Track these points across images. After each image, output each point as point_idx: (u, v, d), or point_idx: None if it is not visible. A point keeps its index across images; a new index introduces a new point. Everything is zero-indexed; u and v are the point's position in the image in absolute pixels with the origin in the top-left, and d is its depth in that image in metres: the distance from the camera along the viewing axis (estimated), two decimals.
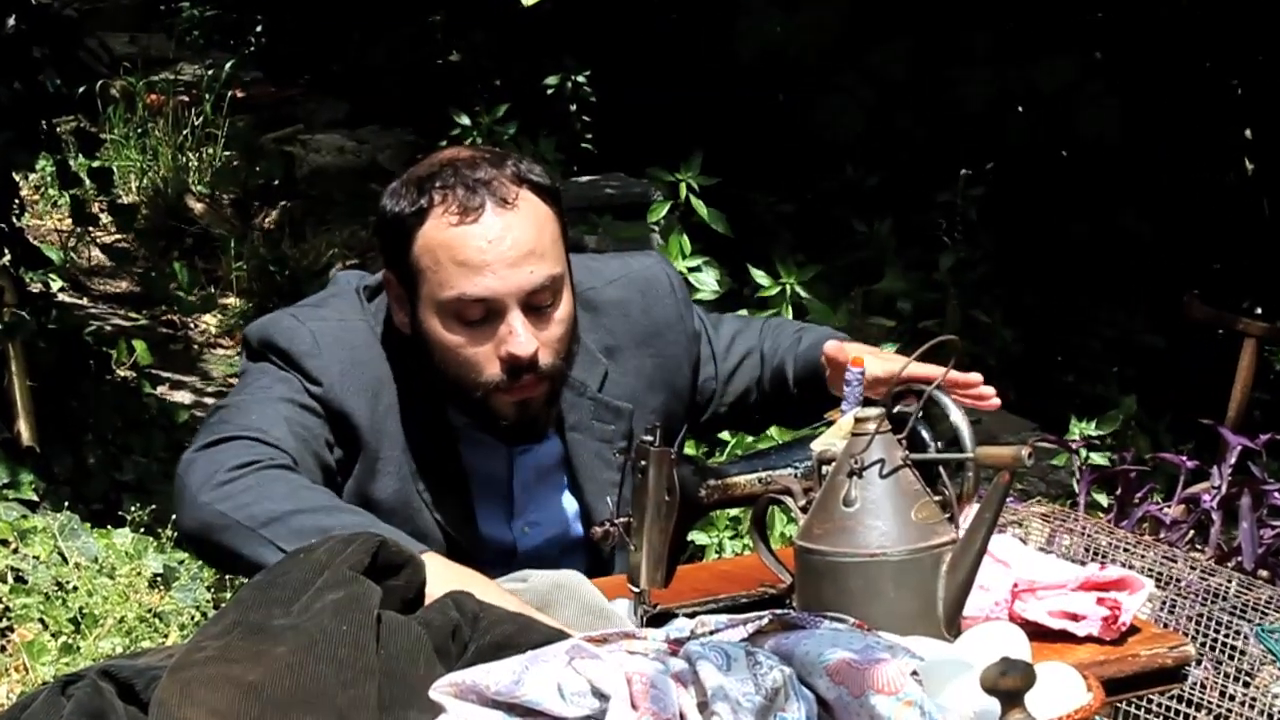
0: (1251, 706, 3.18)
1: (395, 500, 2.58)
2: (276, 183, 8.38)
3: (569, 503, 2.72)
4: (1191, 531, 3.92)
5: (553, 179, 2.59)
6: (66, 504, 4.82)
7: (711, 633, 1.92)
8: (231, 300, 7.38)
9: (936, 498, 2.15)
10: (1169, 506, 3.98)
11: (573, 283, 2.59)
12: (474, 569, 2.51)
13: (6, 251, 5.38)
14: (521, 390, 2.52)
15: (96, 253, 7.62)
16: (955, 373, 2.38)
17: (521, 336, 2.47)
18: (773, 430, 4.11)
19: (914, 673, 1.83)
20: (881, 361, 2.57)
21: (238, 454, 2.40)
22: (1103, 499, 4.61)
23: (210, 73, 9.20)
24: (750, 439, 4.44)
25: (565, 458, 2.70)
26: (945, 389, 2.26)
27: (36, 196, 8.05)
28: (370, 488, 2.57)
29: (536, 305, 2.50)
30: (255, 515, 2.32)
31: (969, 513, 2.17)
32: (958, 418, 2.20)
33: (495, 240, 2.45)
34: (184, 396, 6.35)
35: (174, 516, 2.47)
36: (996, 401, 2.51)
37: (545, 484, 2.70)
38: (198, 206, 8.10)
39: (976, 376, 2.48)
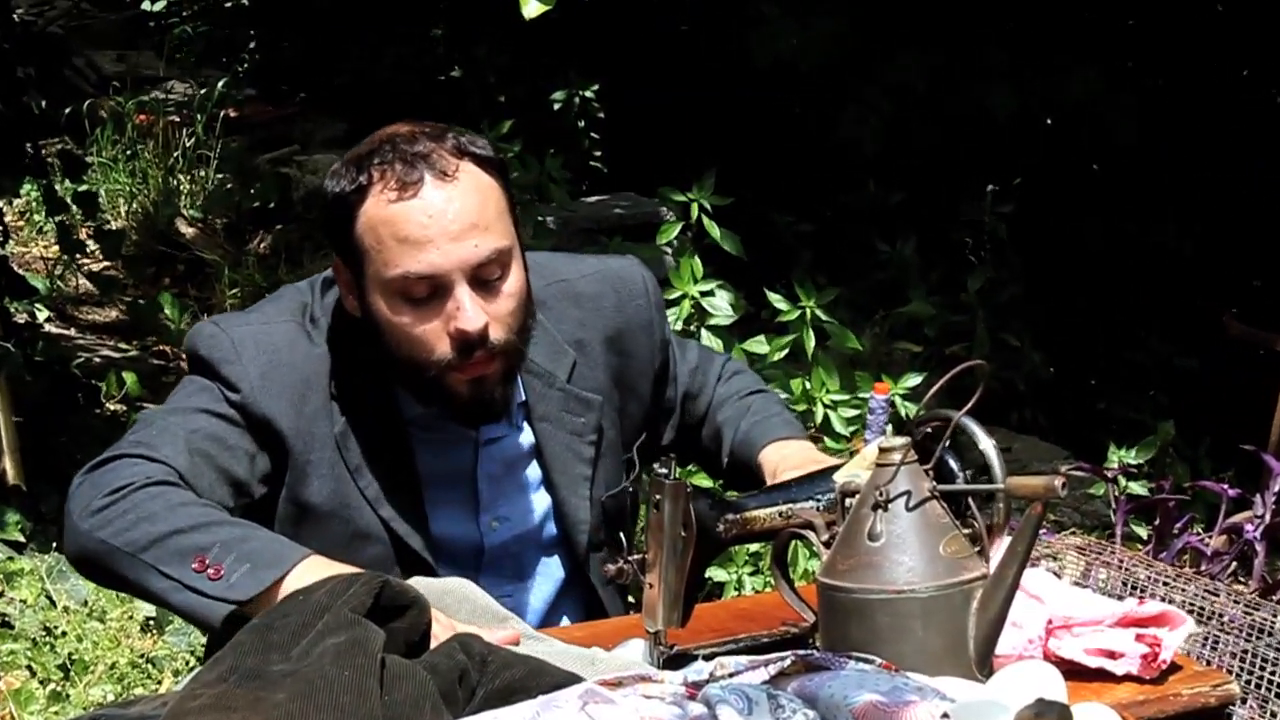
0: None
1: (330, 502, 2.60)
2: (272, 206, 8.38)
3: (541, 498, 2.74)
4: (1234, 563, 3.90)
5: (498, 151, 2.61)
6: (54, 545, 4.82)
7: (731, 675, 1.91)
8: None
9: (966, 531, 2.14)
10: (1210, 537, 3.96)
11: (524, 255, 2.60)
12: (433, 569, 2.57)
13: None
14: (474, 368, 2.53)
15: (85, 280, 7.63)
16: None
17: (469, 311, 2.48)
18: None
19: (944, 715, 1.83)
20: (817, 467, 2.60)
21: (118, 475, 2.44)
22: (1141, 530, 4.60)
23: (202, 91, 9.21)
24: None
25: (536, 450, 2.72)
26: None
27: (21, 223, 8.06)
28: (302, 492, 2.59)
29: (484, 279, 2.51)
30: (134, 540, 2.35)
31: (1000, 546, 2.17)
32: (987, 446, 2.20)
33: (436, 214, 2.47)
34: None
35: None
36: None
37: (514, 477, 2.72)
38: (189, 231, 8.11)
39: None
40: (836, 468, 2.37)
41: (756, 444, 2.81)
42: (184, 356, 7.07)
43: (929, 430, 2.26)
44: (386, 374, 2.59)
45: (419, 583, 2.33)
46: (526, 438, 2.71)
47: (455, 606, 2.32)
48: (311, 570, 2.27)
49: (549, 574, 2.75)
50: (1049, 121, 7.28)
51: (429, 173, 2.48)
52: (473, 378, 2.54)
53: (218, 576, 2.29)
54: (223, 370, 2.57)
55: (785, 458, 2.74)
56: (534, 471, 2.73)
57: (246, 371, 2.56)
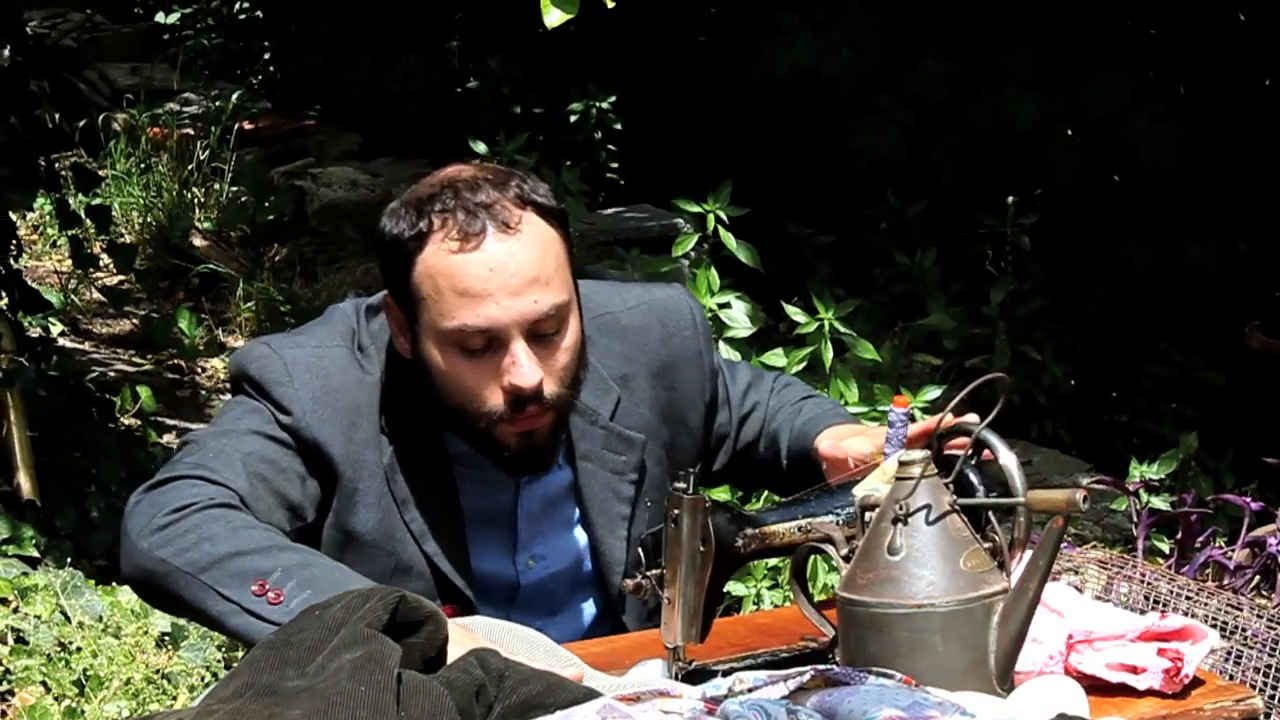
0: None
1: (376, 532, 2.59)
2: (286, 219, 8.40)
3: (579, 536, 2.73)
4: (1257, 577, 3.90)
5: (559, 199, 2.59)
6: (69, 560, 4.83)
7: (750, 690, 1.91)
8: (240, 343, 7.40)
9: (986, 545, 2.14)
10: (1233, 550, 3.95)
11: (581, 307, 2.59)
12: (471, 605, 2.56)
13: (4, 295, 5.40)
14: (526, 421, 2.52)
15: (98, 294, 7.65)
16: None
17: (525, 367, 2.48)
18: None
19: None
20: (870, 440, 2.59)
21: (179, 495, 2.41)
22: (1163, 544, 4.59)
23: (216, 104, 9.24)
24: None
25: (574, 488, 2.71)
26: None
27: (35, 236, 8.08)
28: (349, 520, 2.58)
29: (541, 334, 2.50)
30: (194, 560, 2.34)
31: (1021, 560, 2.17)
32: (1008, 460, 2.20)
33: (497, 268, 2.45)
34: None
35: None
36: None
37: (553, 515, 2.71)
38: (203, 245, 8.13)
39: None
40: (855, 481, 2.37)
41: (811, 435, 2.76)
42: (197, 370, 7.05)
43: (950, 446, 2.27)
44: (435, 412, 2.58)
45: (480, 623, 2.32)
46: (567, 475, 2.70)
47: (516, 645, 2.31)
48: None
49: (581, 610, 2.75)
50: (1070, 132, 7.26)
51: (491, 224, 2.46)
52: (523, 430, 2.53)
53: (277, 601, 2.28)
54: (275, 393, 2.56)
55: (840, 433, 2.71)
56: (573, 510, 2.72)
57: (299, 395, 2.55)
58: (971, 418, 2.35)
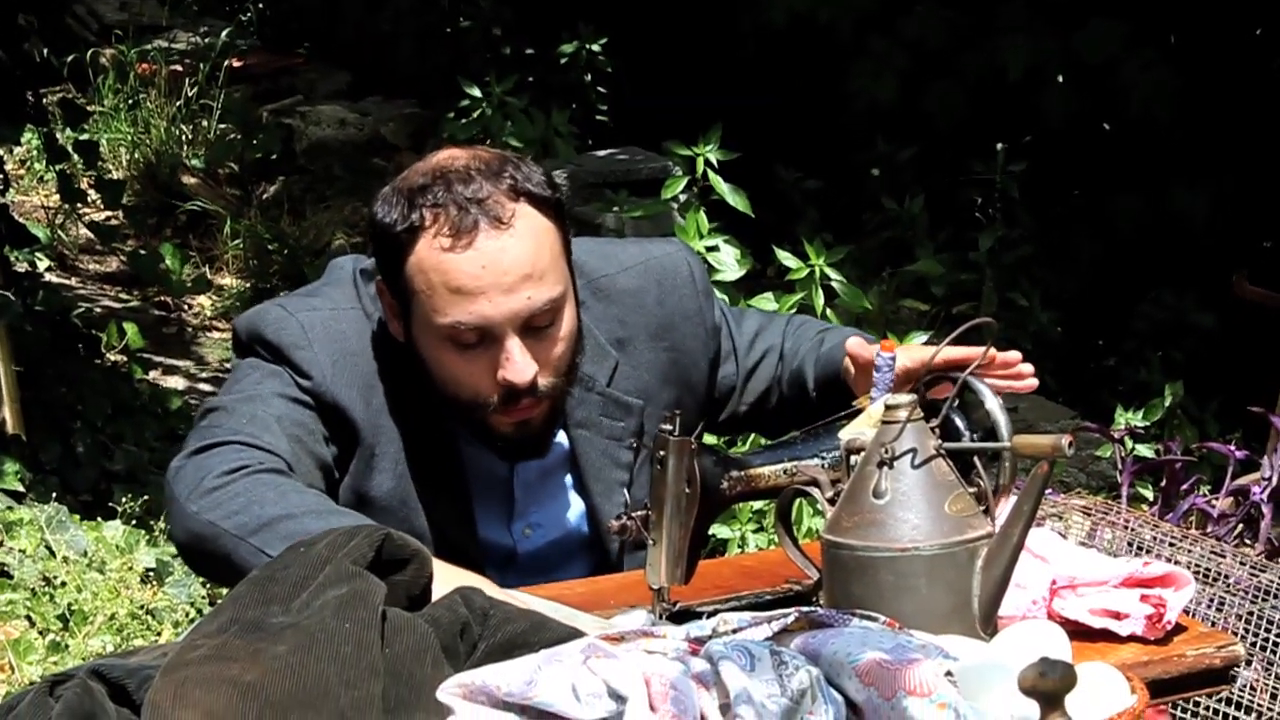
0: None
1: (391, 498, 2.59)
2: (274, 157, 8.38)
3: (575, 504, 2.72)
4: (1240, 525, 3.91)
5: (555, 187, 2.56)
6: (54, 495, 4.83)
7: (734, 631, 1.92)
8: (227, 281, 7.40)
9: (971, 489, 2.14)
10: (1217, 499, 3.97)
11: (576, 291, 2.58)
12: (481, 573, 2.53)
13: None
14: (520, 412, 2.52)
15: (85, 230, 7.64)
16: (991, 350, 2.37)
17: (518, 363, 2.47)
18: None
19: (948, 673, 1.83)
20: (908, 353, 2.55)
21: (226, 459, 2.40)
22: (1147, 491, 4.60)
23: (205, 41, 9.21)
24: None
25: (571, 455, 2.70)
26: (981, 374, 2.25)
27: (22, 171, 8.06)
28: (366, 485, 2.58)
29: (535, 326, 2.49)
30: (245, 523, 2.32)
31: (1006, 505, 2.17)
32: (994, 405, 2.20)
33: (490, 265, 2.44)
34: (177, 382, 6.37)
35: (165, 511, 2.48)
36: (1034, 382, 2.49)
37: (549, 484, 2.70)
38: (192, 181, 8.11)
39: (1015, 355, 2.46)
40: (841, 424, 2.37)
41: (838, 358, 2.71)
42: (184, 307, 7.03)
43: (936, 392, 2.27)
44: (431, 394, 2.57)
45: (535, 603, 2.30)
46: (563, 443, 2.69)
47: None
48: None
49: (577, 573, 2.73)
50: (1061, 79, 7.24)
51: (484, 219, 2.44)
52: (517, 420, 2.53)
53: None
54: (294, 356, 2.55)
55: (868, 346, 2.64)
56: (569, 477, 2.72)
57: (318, 358, 2.54)
58: (967, 350, 2.34)
